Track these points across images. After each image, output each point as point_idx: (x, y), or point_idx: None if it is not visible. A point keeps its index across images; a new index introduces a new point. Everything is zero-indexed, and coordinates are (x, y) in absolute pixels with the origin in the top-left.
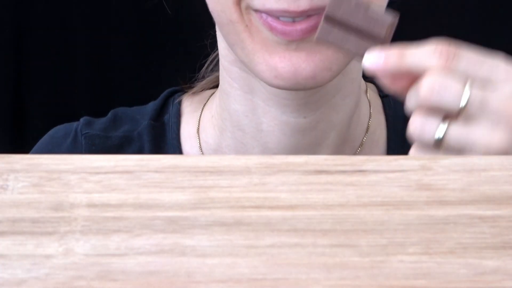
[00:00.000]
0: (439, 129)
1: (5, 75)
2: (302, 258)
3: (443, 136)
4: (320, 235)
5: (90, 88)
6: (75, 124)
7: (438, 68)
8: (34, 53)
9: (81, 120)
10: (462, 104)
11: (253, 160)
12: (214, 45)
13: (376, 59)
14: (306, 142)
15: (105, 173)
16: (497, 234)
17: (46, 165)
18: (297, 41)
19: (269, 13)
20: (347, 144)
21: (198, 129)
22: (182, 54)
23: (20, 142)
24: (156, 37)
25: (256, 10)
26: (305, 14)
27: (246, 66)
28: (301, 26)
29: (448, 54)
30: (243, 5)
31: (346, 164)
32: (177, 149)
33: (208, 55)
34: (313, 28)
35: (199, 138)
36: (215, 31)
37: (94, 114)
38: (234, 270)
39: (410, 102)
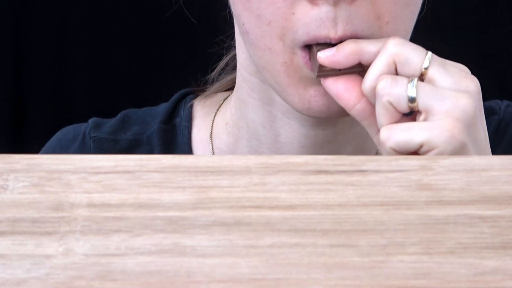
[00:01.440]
0: (409, 86)
1: (5, 76)
2: (302, 258)
3: (415, 95)
4: (320, 235)
5: (90, 89)
6: (83, 126)
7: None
8: (34, 53)
9: (90, 122)
10: (426, 64)
11: (253, 160)
12: (227, 50)
13: (330, 50)
14: (323, 154)
15: (105, 173)
16: (497, 234)
17: (46, 165)
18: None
19: (313, 41)
20: (363, 155)
21: (211, 134)
22: (186, 55)
23: (20, 142)
24: (158, 37)
25: (302, 46)
26: (342, 40)
27: (274, 90)
28: None
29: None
30: (287, 41)
31: (346, 164)
32: (188, 154)
33: (221, 56)
34: None
35: (211, 144)
36: (227, 36)
37: (94, 115)
38: (234, 270)
39: (374, 68)
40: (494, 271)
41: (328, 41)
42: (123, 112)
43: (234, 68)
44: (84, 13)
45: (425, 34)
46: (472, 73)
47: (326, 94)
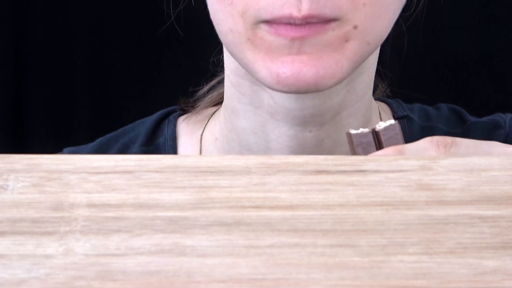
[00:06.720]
0: None
1: (5, 75)
2: (302, 258)
3: None
4: (320, 235)
5: (90, 89)
6: None
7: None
8: (34, 53)
9: (65, 152)
10: None
11: (253, 160)
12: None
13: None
14: None
15: (105, 173)
16: (497, 234)
17: (46, 165)
18: (299, 41)
19: (278, 21)
20: None
21: (200, 151)
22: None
23: (20, 142)
24: (157, 37)
25: (265, 22)
26: (306, 21)
27: (249, 73)
28: (304, 29)
29: (445, 143)
30: (248, 18)
31: (346, 164)
32: None
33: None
34: (314, 32)
35: None
36: (218, 57)
37: (94, 114)
38: (234, 270)
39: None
40: (494, 271)
41: (292, 21)
42: (99, 139)
43: (220, 82)
44: (85, 14)
45: (425, 34)
46: (473, 73)
47: (293, 64)
